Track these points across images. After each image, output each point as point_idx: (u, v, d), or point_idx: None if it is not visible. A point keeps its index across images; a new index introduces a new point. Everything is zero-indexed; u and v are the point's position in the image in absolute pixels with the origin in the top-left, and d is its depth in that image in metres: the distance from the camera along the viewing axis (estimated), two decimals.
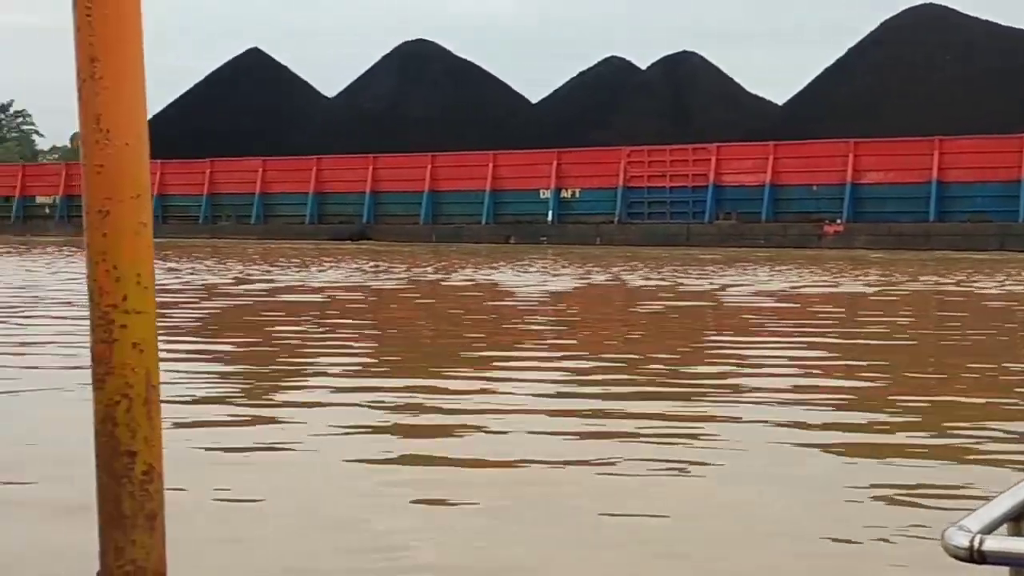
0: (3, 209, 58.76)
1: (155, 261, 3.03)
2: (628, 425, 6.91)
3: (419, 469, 5.77)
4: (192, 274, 24.05)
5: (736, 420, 7.24)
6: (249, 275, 23.95)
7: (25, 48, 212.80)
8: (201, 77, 64.22)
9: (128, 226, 2.94)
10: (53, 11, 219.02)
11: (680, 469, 5.91)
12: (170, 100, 62.37)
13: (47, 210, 57.77)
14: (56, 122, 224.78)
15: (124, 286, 2.92)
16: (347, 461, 6.04)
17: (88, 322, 2.93)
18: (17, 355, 10.52)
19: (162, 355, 3.09)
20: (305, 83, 65.77)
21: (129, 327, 2.93)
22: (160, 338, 3.09)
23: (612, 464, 5.86)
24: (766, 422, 7.07)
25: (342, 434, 6.80)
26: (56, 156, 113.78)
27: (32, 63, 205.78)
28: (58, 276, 23.49)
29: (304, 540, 4.64)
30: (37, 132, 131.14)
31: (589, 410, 7.42)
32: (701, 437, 6.68)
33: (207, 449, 6.31)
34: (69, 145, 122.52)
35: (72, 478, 5.39)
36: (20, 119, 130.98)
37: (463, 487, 5.44)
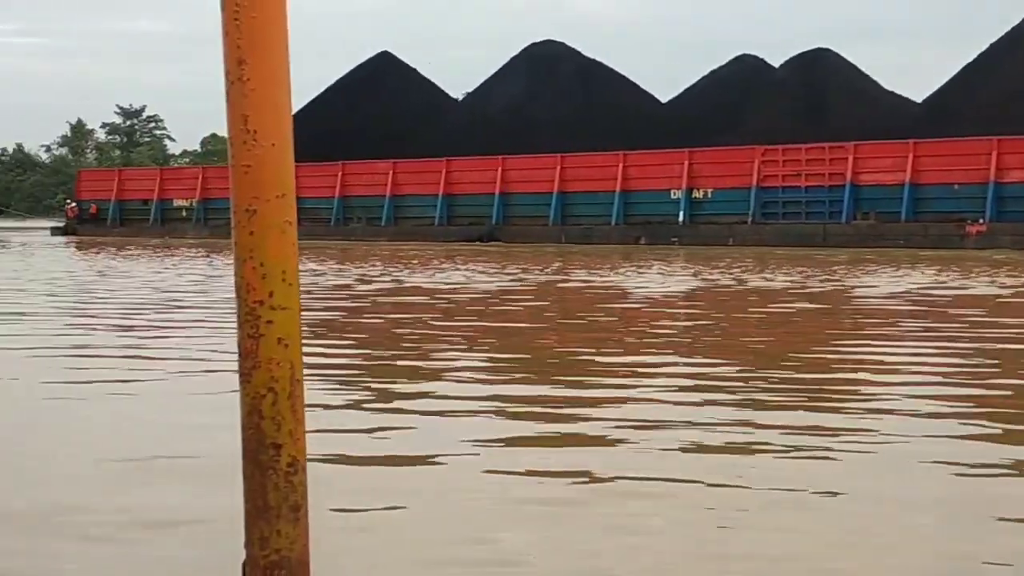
0: (142, 212, 60.70)
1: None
2: (761, 437, 6.77)
3: (548, 480, 5.77)
4: (321, 275, 24.52)
5: (871, 433, 7.12)
6: (376, 276, 24.33)
7: (155, 54, 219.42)
8: (332, 81, 65.47)
9: (274, 224, 3.04)
10: (180, 17, 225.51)
11: (813, 488, 5.83)
12: (302, 104, 63.69)
13: (184, 213, 59.47)
14: (187, 126, 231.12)
15: (270, 283, 3.03)
16: (476, 465, 6.11)
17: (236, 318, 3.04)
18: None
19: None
20: (434, 85, 66.49)
21: (275, 323, 3.04)
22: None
23: (741, 479, 5.75)
24: (906, 438, 6.91)
25: (470, 438, 6.87)
26: (187, 160, 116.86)
27: (162, 69, 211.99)
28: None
29: (434, 542, 4.71)
30: (169, 136, 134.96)
31: (725, 421, 7.31)
32: (837, 451, 6.56)
33: (340, 445, 6.44)
34: (200, 149, 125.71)
35: (217, 469, 5.57)
36: (152, 124, 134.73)
37: (589, 500, 5.40)
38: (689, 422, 7.18)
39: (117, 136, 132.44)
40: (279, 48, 3.03)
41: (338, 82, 65.12)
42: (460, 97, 68.51)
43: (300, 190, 46.90)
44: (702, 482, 5.63)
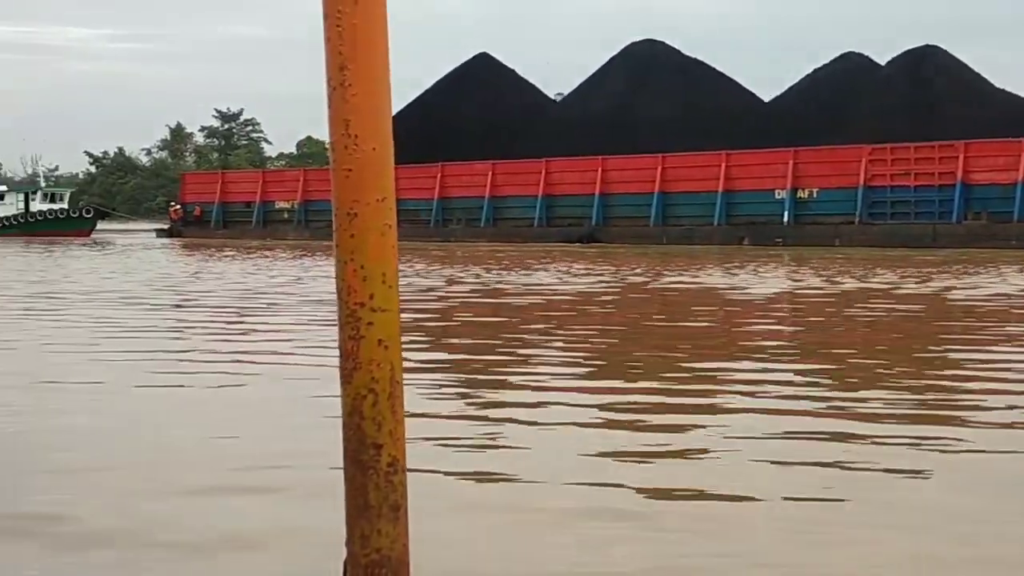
0: (244, 214, 61.82)
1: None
2: (872, 452, 6.62)
3: (639, 489, 5.77)
4: (426, 276, 24.73)
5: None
6: (472, 276, 24.47)
7: (252, 58, 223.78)
8: (430, 83, 66.02)
9: (374, 227, 3.11)
10: (277, 22, 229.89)
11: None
12: (401, 106, 64.40)
13: (286, 215, 60.44)
14: (283, 129, 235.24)
15: (371, 285, 3.10)
16: (568, 470, 6.14)
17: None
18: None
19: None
20: (532, 86, 66.67)
21: (375, 324, 3.10)
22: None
23: (852, 495, 5.64)
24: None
25: (563, 442, 6.90)
26: (283, 163, 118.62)
27: (259, 73, 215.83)
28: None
29: (530, 544, 4.75)
30: (265, 139, 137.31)
31: (827, 432, 7.20)
32: (933, 468, 6.44)
33: (441, 445, 6.52)
34: (295, 151, 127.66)
35: (320, 468, 5.69)
36: (249, 127, 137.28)
37: (676, 511, 5.38)
38: (800, 432, 7.12)
39: (215, 139, 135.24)
40: (380, 53, 3.10)
41: (436, 84, 65.63)
42: (557, 97, 68.61)
43: (399, 192, 47.37)
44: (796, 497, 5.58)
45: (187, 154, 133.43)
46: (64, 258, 37.10)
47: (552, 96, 68.94)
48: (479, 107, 61.32)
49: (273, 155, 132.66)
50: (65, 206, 69.12)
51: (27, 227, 66.22)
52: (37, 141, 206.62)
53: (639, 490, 5.60)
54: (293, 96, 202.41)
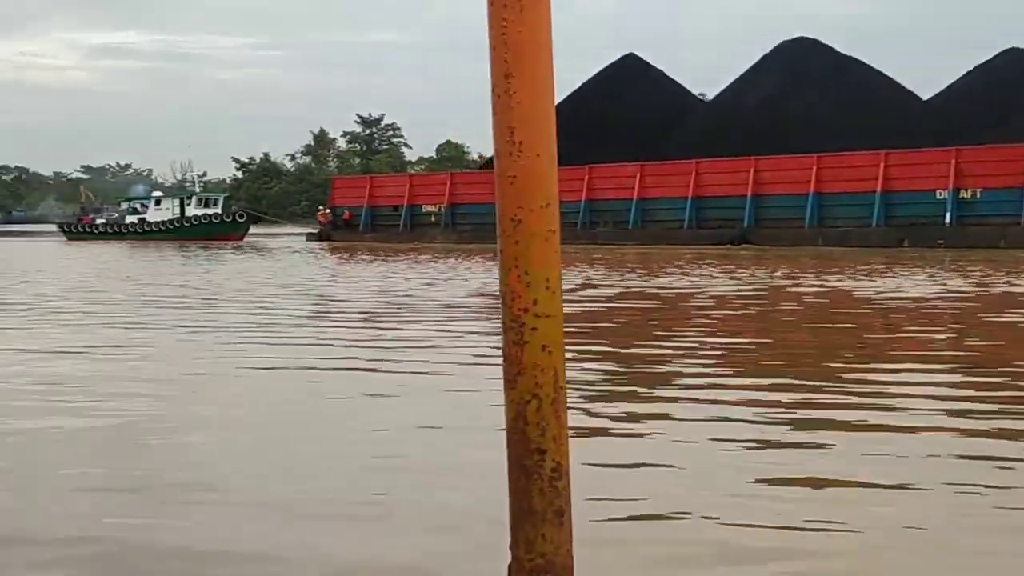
0: (392, 218, 62.77)
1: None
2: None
3: (796, 488, 5.72)
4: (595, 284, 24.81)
5: None
6: (623, 280, 24.44)
7: (393, 64, 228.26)
8: (577, 84, 66.14)
9: (538, 233, 3.17)
10: (417, 28, 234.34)
11: None
12: None
13: (432, 218, 61.17)
14: (422, 133, 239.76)
15: (534, 291, 3.16)
16: (730, 473, 6.11)
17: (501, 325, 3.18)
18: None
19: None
20: (681, 87, 66.23)
21: (539, 330, 3.16)
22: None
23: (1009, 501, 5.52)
24: None
25: (722, 445, 6.88)
26: (423, 167, 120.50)
27: (400, 78, 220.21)
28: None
29: (690, 547, 4.76)
30: (406, 144, 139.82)
31: (991, 430, 7.06)
32: None
33: (598, 452, 6.56)
34: (435, 155, 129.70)
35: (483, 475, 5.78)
36: (390, 132, 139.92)
37: (836, 510, 5.33)
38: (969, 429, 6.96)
39: (357, 144, 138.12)
40: (544, 61, 3.16)
41: (583, 85, 65.70)
42: (700, 98, 68.07)
43: None
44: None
45: (330, 159, 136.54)
46: (244, 261, 38.19)
47: (701, 96, 68.41)
48: (626, 108, 61.20)
49: (413, 159, 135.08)
50: (219, 211, 71.18)
51: (182, 231, 68.43)
52: (186, 147, 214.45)
53: (793, 487, 5.56)
54: (433, 101, 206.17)
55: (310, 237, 65.68)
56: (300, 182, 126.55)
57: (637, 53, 67.26)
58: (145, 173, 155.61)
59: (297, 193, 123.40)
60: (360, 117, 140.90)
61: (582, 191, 54.68)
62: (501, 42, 3.13)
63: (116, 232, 71.83)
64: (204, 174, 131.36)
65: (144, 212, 72.92)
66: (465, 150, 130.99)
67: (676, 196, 52.58)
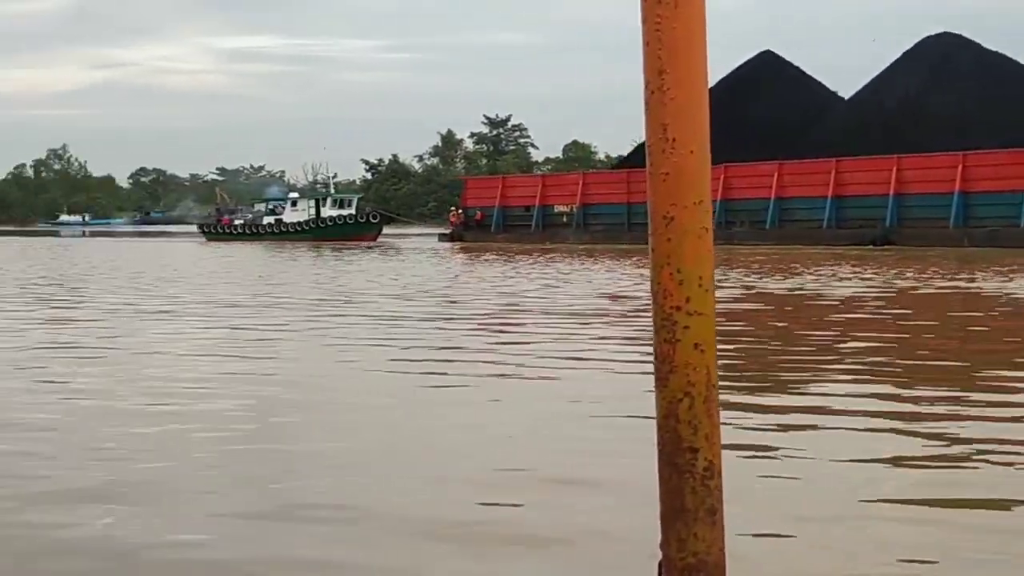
0: (523, 218, 63.03)
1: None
2: None
3: (936, 501, 5.61)
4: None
5: None
6: (762, 281, 24.19)
7: (520, 65, 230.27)
8: (713, 81, 65.60)
9: (691, 231, 3.18)
10: (543, 29, 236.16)
11: None
12: None
13: (564, 218, 61.25)
14: (549, 134, 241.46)
15: (687, 289, 3.17)
16: (870, 479, 6.03)
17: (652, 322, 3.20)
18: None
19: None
20: (820, 84, 65.16)
21: (692, 328, 3.17)
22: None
23: None
24: None
25: (860, 449, 6.79)
26: (549, 167, 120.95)
27: (526, 79, 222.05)
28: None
29: (844, 556, 4.72)
30: (532, 144, 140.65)
31: None
32: None
33: (752, 453, 6.53)
34: (561, 156, 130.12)
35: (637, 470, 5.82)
36: (517, 133, 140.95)
37: (968, 526, 5.22)
38: None
39: (484, 145, 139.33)
40: (698, 57, 3.16)
41: (719, 82, 65.14)
42: (847, 95, 66.83)
43: None
44: None
45: (457, 160, 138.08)
46: (387, 261, 38.81)
47: (847, 94, 67.16)
48: (763, 106, 60.48)
49: (539, 160, 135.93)
50: (353, 211, 72.31)
51: (317, 232, 69.69)
52: (320, 149, 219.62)
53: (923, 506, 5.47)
54: (559, 102, 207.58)
55: (442, 238, 66.30)
56: (428, 183, 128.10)
57: (774, 50, 66.45)
58: (278, 175, 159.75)
59: (425, 194, 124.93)
60: (487, 118, 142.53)
61: (718, 190, 54.14)
62: (655, 38, 3.14)
63: (254, 233, 73.49)
64: (335, 176, 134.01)
65: (280, 213, 74.48)
66: (592, 150, 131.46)
67: (815, 195, 51.81)
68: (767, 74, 63.40)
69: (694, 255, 3.17)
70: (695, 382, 3.17)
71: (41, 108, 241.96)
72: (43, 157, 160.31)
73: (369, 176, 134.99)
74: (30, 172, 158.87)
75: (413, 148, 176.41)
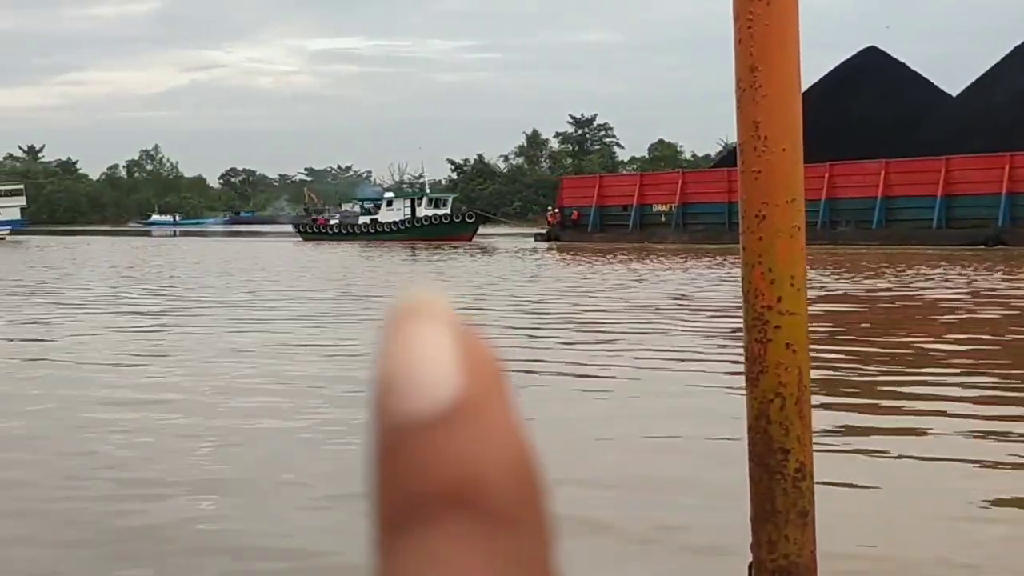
0: (621, 218, 62.85)
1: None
2: None
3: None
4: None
5: None
6: (865, 281, 23.88)
7: (605, 64, 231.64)
8: (814, 79, 64.85)
9: (783, 229, 3.20)
10: (629, 28, 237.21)
11: None
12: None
13: (663, 218, 60.93)
14: (634, 133, 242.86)
15: (779, 288, 3.19)
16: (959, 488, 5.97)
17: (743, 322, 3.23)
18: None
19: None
20: (926, 81, 64.05)
21: (783, 328, 3.20)
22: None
23: None
24: None
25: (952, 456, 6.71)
26: (635, 167, 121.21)
27: (612, 78, 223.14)
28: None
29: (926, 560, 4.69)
30: (618, 144, 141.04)
31: None
32: None
33: (837, 454, 6.50)
34: (647, 155, 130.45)
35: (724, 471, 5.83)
36: (603, 132, 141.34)
37: None
38: None
39: (569, 145, 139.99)
40: (791, 54, 3.19)
41: (822, 79, 64.30)
42: (955, 93, 65.59)
43: None
44: None
45: (542, 160, 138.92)
46: (498, 262, 39.07)
47: (955, 91, 65.91)
48: (868, 103, 59.59)
49: (625, 159, 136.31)
50: (448, 211, 72.73)
51: (413, 232, 70.18)
52: (403, 150, 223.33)
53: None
54: (644, 101, 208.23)
55: (538, 237, 66.34)
56: (513, 183, 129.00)
57: (879, 47, 65.49)
58: (364, 175, 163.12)
59: (510, 194, 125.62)
60: (572, 117, 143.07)
61: (822, 189, 53.47)
62: (747, 35, 3.18)
63: (349, 232, 74.23)
64: (421, 175, 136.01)
65: (376, 213, 75.13)
66: (678, 149, 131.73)
67: (924, 194, 50.90)
68: (871, 71, 62.45)
69: (786, 254, 3.20)
70: (787, 383, 3.20)
71: (133, 110, 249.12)
72: (136, 158, 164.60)
73: (455, 176, 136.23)
74: (123, 173, 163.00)
75: (499, 148, 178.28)
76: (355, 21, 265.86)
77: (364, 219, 75.42)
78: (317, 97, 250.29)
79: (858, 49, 65.94)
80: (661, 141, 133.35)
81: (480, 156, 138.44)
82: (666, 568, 4.61)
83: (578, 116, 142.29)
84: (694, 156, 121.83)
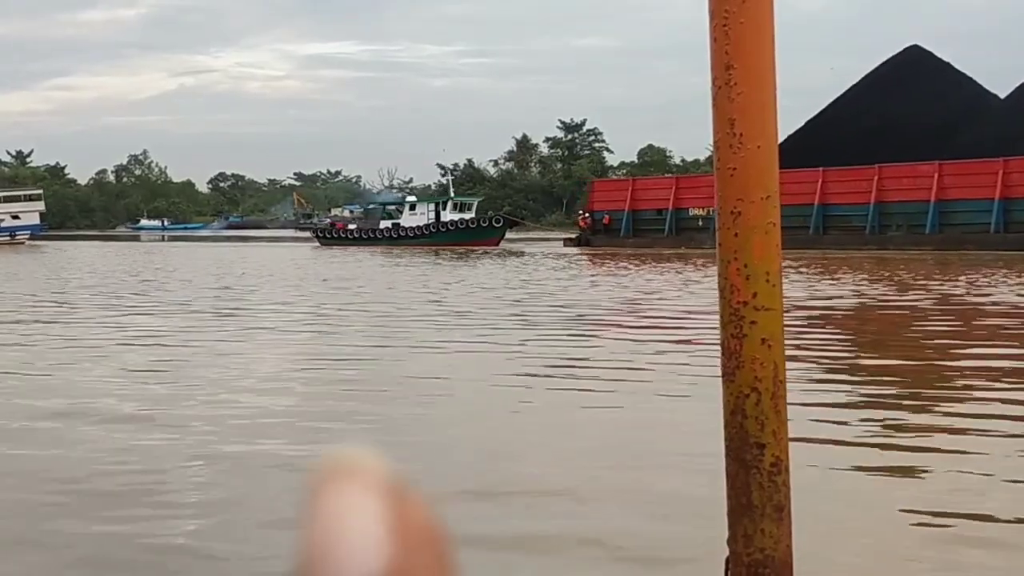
0: (656, 222, 63.00)
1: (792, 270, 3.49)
2: None
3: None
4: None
5: None
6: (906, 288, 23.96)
7: (594, 70, 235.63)
8: (855, 79, 64.79)
9: (758, 226, 3.44)
10: (618, 34, 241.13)
11: None
12: (824, 104, 63.55)
13: (700, 222, 61.03)
14: (623, 138, 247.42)
15: (754, 284, 3.43)
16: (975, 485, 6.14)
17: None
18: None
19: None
20: (972, 81, 63.90)
21: (759, 323, 3.43)
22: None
23: None
24: None
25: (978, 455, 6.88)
26: (624, 172, 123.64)
27: (600, 84, 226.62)
28: None
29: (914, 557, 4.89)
30: (607, 149, 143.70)
31: None
32: None
33: (820, 450, 6.71)
34: (636, 160, 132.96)
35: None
36: (592, 137, 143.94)
37: None
38: None
39: (558, 150, 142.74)
40: (766, 52, 3.42)
41: (863, 80, 64.27)
42: (1003, 94, 65.39)
43: (827, 196, 46.79)
44: None
45: (532, 164, 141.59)
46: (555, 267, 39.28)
47: (1003, 92, 65.71)
48: (912, 103, 59.47)
49: (614, 164, 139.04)
50: (473, 215, 73.16)
51: (438, 236, 70.56)
52: (395, 154, 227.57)
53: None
54: (633, 105, 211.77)
55: (567, 242, 66.62)
56: (502, 188, 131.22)
57: (922, 45, 65.51)
58: (354, 180, 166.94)
59: (500, 199, 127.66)
60: (562, 122, 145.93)
61: (871, 193, 53.47)
62: (722, 33, 3.41)
63: (370, 237, 74.71)
64: (410, 180, 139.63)
65: (398, 217, 75.64)
66: (667, 154, 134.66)
67: (980, 197, 50.83)
68: (914, 70, 62.35)
69: (762, 250, 3.43)
70: (762, 378, 3.43)
71: (122, 115, 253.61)
72: (124, 163, 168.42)
73: (444, 180, 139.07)
74: (112, 178, 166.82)
75: (488, 153, 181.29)
76: (346, 26, 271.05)
77: (385, 224, 75.90)
78: (307, 102, 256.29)
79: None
80: (650, 146, 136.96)
81: (469, 161, 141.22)
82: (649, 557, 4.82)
83: (568, 121, 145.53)
84: (683, 161, 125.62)
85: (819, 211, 53.66)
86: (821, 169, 53.21)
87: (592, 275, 34.71)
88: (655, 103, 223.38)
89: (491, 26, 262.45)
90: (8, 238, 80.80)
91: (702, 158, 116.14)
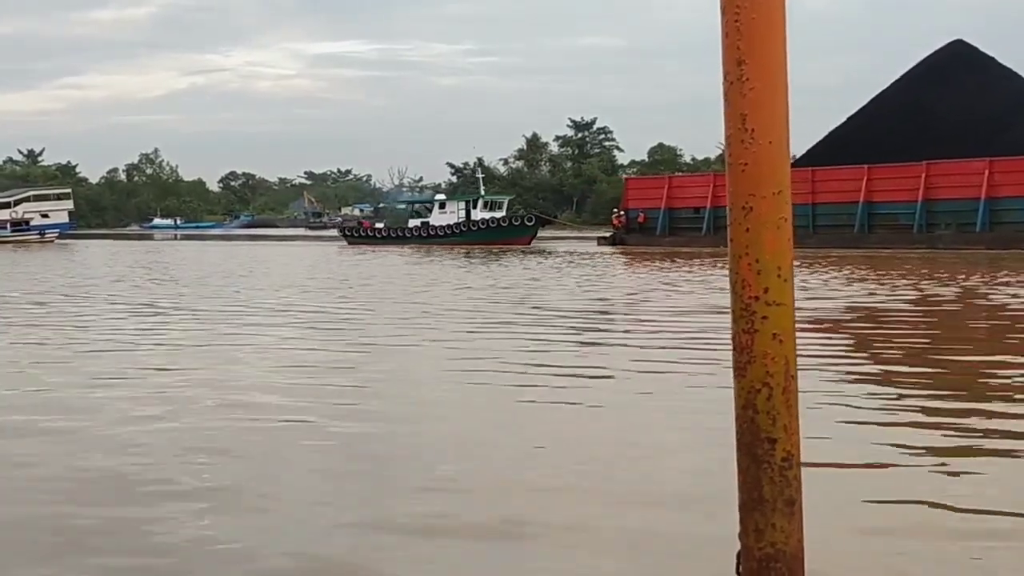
0: (693, 221, 63.01)
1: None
2: None
3: None
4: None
5: None
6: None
7: (604, 69, 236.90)
8: (898, 75, 64.60)
9: (770, 221, 3.57)
10: (626, 33, 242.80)
11: None
12: (865, 101, 63.37)
13: None
14: (634, 136, 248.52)
15: (766, 279, 3.56)
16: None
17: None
18: None
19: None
20: (1019, 76, 63.60)
21: (770, 318, 3.56)
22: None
23: None
24: None
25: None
26: (634, 170, 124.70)
27: (611, 82, 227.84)
28: None
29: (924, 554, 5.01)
30: (617, 147, 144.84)
31: None
32: None
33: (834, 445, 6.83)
34: (647, 159, 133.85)
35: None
36: (602, 136, 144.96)
37: None
38: None
39: (569, 148, 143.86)
40: (778, 48, 3.55)
41: (906, 75, 64.08)
42: None
43: (871, 193, 46.63)
44: None
45: (542, 163, 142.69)
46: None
47: None
48: (956, 98, 59.20)
49: (625, 163, 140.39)
50: (504, 214, 73.47)
51: (469, 235, 70.82)
52: (404, 153, 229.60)
53: None
54: (644, 104, 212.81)
55: (601, 241, 66.75)
56: (513, 186, 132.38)
57: (965, 39, 65.22)
58: (364, 178, 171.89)
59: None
60: (572, 121, 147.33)
61: (918, 190, 53.28)
62: (734, 28, 3.54)
63: (399, 236, 75.09)
64: (420, 179, 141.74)
65: (427, 216, 76.03)
66: (678, 152, 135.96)
67: None
68: (959, 65, 62.08)
69: (773, 246, 3.56)
70: (773, 372, 3.55)
71: (133, 114, 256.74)
72: (135, 162, 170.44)
73: (455, 179, 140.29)
74: (122, 176, 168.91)
75: (498, 152, 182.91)
76: (356, 25, 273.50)
77: (414, 222, 76.30)
78: (317, 100, 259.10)
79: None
80: (661, 144, 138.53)
81: (480, 159, 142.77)
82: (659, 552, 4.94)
83: (578, 119, 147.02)
84: (694, 159, 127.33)
85: (864, 209, 53.57)
86: (867, 166, 53.10)
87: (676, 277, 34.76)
88: (665, 101, 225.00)
89: (500, 25, 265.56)
90: (38, 236, 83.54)
91: (712, 156, 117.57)
